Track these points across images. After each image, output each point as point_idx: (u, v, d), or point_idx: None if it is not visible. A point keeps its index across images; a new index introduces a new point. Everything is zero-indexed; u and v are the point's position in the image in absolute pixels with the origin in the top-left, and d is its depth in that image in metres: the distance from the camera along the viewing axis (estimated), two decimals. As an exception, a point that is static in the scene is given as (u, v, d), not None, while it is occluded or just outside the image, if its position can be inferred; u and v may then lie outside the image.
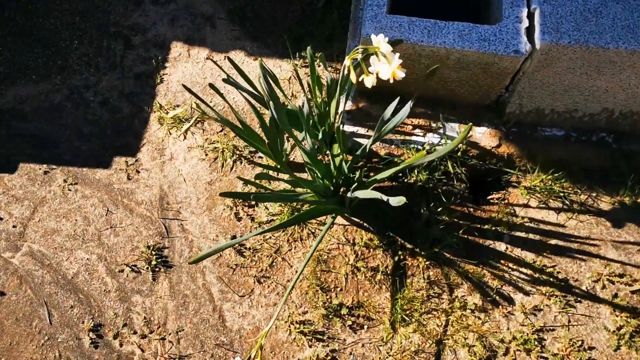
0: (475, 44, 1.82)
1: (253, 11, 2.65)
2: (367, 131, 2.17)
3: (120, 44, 2.59)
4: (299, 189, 2.01)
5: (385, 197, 1.64)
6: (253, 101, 1.95)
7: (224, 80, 1.82)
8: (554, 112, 2.09)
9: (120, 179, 2.28)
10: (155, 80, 2.49)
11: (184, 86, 1.71)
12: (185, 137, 2.35)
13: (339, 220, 2.13)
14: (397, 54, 1.38)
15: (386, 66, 1.40)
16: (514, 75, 1.95)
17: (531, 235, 2.07)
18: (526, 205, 2.13)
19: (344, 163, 1.90)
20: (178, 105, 2.42)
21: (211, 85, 1.72)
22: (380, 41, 1.40)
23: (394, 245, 2.06)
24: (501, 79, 1.96)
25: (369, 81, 1.44)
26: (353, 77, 1.48)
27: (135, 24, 2.65)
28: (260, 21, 2.63)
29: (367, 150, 1.86)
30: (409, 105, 1.75)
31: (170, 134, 2.37)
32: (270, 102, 1.66)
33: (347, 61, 1.50)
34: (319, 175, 1.94)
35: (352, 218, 2.12)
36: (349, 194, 1.91)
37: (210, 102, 2.42)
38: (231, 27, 2.62)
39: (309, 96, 2.14)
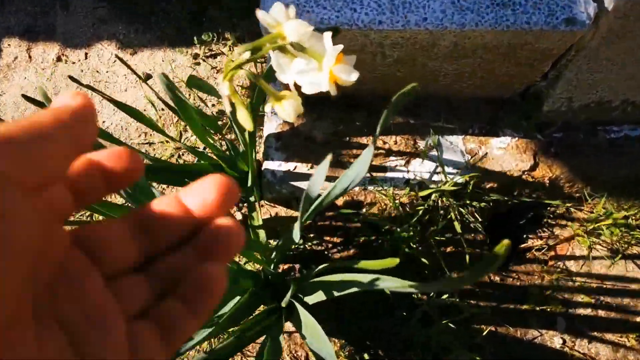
0: (487, 15, 0.90)
1: (125, -27, 1.70)
2: (311, 168, 1.29)
3: None
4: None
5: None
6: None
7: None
8: (628, 104, 1.20)
9: None
10: (-21, 107, 1.59)
11: None
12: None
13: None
14: (329, 34, 0.47)
15: (312, 67, 0.49)
16: (559, 57, 1.05)
17: (602, 313, 1.23)
18: (587, 258, 1.28)
19: (264, 258, 1.04)
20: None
21: None
22: (281, 18, 0.48)
23: (374, 364, 1.22)
24: (536, 65, 1.06)
25: (287, 111, 0.51)
26: (246, 122, 0.56)
27: (-54, 16, 1.71)
28: (137, -12, 1.68)
29: (298, 237, 0.98)
30: (367, 160, 0.85)
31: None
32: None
33: (225, 87, 0.57)
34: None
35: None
36: (290, 295, 1.07)
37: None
38: (94, 3, 1.68)
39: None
